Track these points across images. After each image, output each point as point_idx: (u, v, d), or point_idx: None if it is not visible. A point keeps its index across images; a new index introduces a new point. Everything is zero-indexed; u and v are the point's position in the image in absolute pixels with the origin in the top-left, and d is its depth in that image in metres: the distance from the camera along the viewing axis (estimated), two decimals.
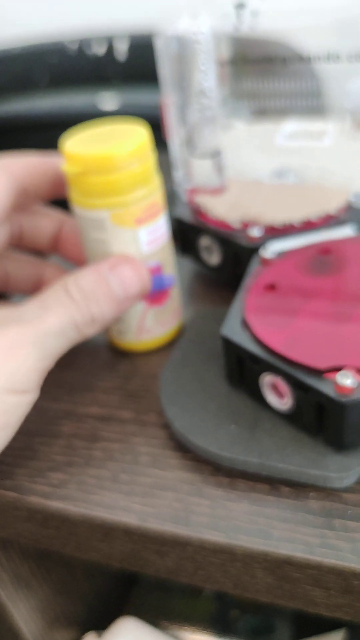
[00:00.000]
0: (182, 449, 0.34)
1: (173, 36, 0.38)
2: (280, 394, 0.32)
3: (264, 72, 0.50)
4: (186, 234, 0.45)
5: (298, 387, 0.30)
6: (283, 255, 0.38)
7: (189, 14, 0.38)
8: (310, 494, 0.31)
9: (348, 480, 0.30)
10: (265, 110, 0.54)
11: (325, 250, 0.38)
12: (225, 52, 0.52)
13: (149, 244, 0.37)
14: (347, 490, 0.31)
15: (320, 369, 0.30)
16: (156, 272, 0.38)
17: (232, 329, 0.34)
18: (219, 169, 0.43)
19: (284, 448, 0.31)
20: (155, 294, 0.39)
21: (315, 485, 0.30)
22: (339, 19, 0.43)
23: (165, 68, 0.40)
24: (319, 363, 0.30)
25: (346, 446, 0.30)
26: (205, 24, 0.38)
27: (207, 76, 0.39)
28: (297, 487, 0.31)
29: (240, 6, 0.43)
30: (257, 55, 0.48)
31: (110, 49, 0.77)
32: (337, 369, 0.29)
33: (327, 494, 0.31)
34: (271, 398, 0.33)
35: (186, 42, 0.37)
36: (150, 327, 0.40)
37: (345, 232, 0.40)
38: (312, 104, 0.51)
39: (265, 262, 0.38)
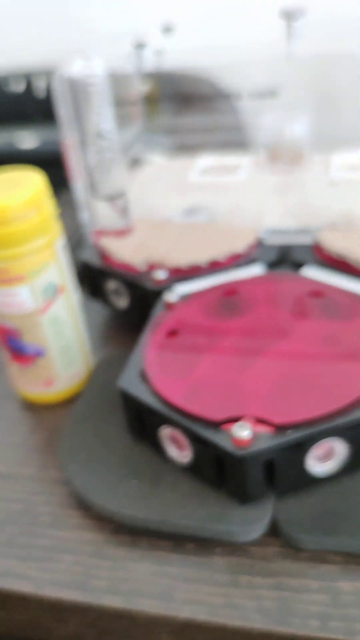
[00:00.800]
0: (84, 506, 0.32)
1: (67, 78, 0.37)
2: (180, 447, 0.31)
3: (183, 108, 0.50)
4: (93, 278, 0.43)
5: (196, 440, 0.29)
6: (188, 298, 0.37)
7: (82, 56, 0.37)
8: (216, 549, 0.29)
9: (253, 534, 0.29)
10: (185, 145, 0.54)
11: (230, 292, 0.37)
12: (138, 90, 0.52)
13: (2, 306, 0.35)
14: (253, 543, 0.29)
15: (217, 420, 0.28)
16: (12, 334, 0.36)
17: (129, 381, 0.32)
18: (123, 210, 0.42)
19: (186, 503, 0.30)
20: (16, 354, 0.37)
21: (220, 540, 0.29)
22: (252, 57, 0.43)
23: (61, 110, 0.39)
24: (217, 414, 0.29)
25: (249, 499, 0.29)
26: (99, 66, 0.37)
27: (103, 118, 0.38)
28: (202, 543, 0.30)
29: (140, 46, 0.43)
30: (174, 91, 0.48)
31: (29, 87, 0.76)
32: (236, 419, 0.28)
33: (233, 549, 0.29)
34: (172, 451, 0.31)
35: (80, 85, 0.37)
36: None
37: (253, 270, 0.40)
38: (234, 138, 0.51)
39: (169, 307, 0.37)
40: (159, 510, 0.30)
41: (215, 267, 0.40)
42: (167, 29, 0.49)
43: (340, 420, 0.28)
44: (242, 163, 0.53)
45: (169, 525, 0.29)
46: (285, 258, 0.42)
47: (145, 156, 0.58)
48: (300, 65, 0.44)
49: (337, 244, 0.39)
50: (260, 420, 0.28)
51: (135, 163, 0.57)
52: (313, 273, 0.39)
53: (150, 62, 0.43)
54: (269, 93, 0.40)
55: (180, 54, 0.44)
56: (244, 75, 0.44)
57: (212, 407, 0.29)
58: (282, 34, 0.42)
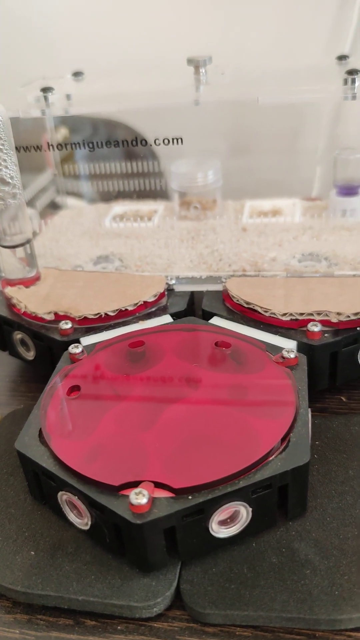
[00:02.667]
0: None
1: None
2: (79, 513, 0.29)
3: (101, 153, 0.49)
4: (1, 327, 0.41)
5: (93, 506, 0.27)
6: (94, 350, 0.36)
7: None
8: (119, 627, 0.27)
9: (158, 609, 0.27)
10: (103, 191, 0.53)
11: (137, 343, 0.36)
12: (50, 135, 0.51)
13: None
14: (158, 618, 0.27)
15: (114, 485, 0.27)
16: None
17: (27, 441, 0.30)
18: (29, 257, 0.40)
19: (86, 575, 0.28)
20: None
21: (122, 616, 0.27)
22: (161, 104, 0.42)
23: None
24: (114, 479, 0.27)
25: (152, 568, 0.27)
26: None
27: (5, 163, 0.37)
28: (104, 619, 0.27)
29: (46, 90, 0.42)
30: (90, 136, 0.47)
31: None
32: (134, 484, 0.27)
33: (137, 626, 0.27)
34: (72, 517, 0.29)
35: None
36: None
37: (162, 320, 0.39)
38: (152, 184, 0.51)
39: (73, 360, 0.35)
40: (55, 585, 0.27)
41: (123, 316, 0.39)
42: (77, 74, 0.49)
43: (243, 484, 0.26)
44: (157, 209, 0.52)
45: (67, 601, 0.27)
46: (195, 306, 0.41)
47: (62, 200, 0.56)
48: (209, 111, 0.44)
49: (244, 292, 0.38)
50: (159, 485, 0.27)
51: (51, 207, 0.55)
52: (222, 322, 0.38)
53: (59, 106, 0.42)
54: (176, 139, 0.39)
55: (89, 98, 0.44)
56: (154, 122, 0.44)
57: (111, 471, 0.27)
58: (190, 81, 0.42)
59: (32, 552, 0.29)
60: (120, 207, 0.53)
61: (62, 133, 0.55)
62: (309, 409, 0.31)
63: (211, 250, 0.45)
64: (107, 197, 0.54)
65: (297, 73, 0.44)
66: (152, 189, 0.51)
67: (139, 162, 0.50)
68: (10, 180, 0.37)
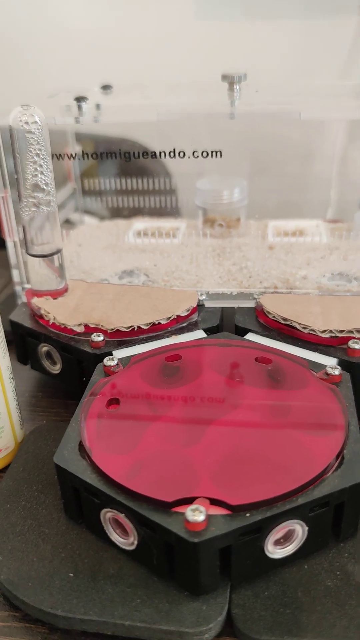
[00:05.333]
0: (11, 606, 0.28)
1: (2, 125, 0.34)
2: (124, 532, 0.27)
3: (118, 168, 0.49)
4: (25, 339, 0.40)
5: (143, 524, 0.26)
6: (129, 363, 0.35)
7: (21, 103, 0.35)
8: None
9: (209, 635, 0.25)
10: (117, 208, 0.53)
11: (174, 357, 0.35)
12: (74, 146, 0.51)
13: None
14: None
15: (167, 502, 0.25)
16: None
17: (66, 455, 0.29)
18: (59, 268, 0.39)
19: (131, 599, 0.26)
20: None
21: None
22: (185, 116, 0.42)
23: None
24: (166, 495, 0.26)
25: (203, 591, 0.26)
26: (38, 114, 0.35)
27: (41, 168, 0.36)
28: None
29: (80, 99, 0.41)
30: (108, 150, 0.46)
31: None
32: (188, 500, 0.25)
33: None
34: (115, 536, 0.28)
35: (17, 132, 0.34)
36: None
37: (196, 334, 0.38)
38: (168, 201, 0.50)
39: (109, 372, 0.34)
40: (98, 610, 0.26)
41: (155, 330, 0.38)
42: (106, 87, 0.48)
43: (301, 501, 0.25)
44: (179, 226, 0.52)
45: (111, 627, 0.25)
46: (227, 322, 0.40)
47: (77, 217, 0.56)
48: (238, 127, 0.43)
49: (280, 308, 0.38)
50: (214, 502, 0.25)
51: (67, 223, 0.55)
52: (257, 338, 0.37)
53: (89, 115, 0.41)
54: (215, 152, 0.39)
55: (119, 110, 0.43)
56: (183, 135, 0.43)
57: (161, 487, 0.26)
58: (223, 97, 0.42)
59: (71, 574, 0.27)
60: (140, 223, 0.52)
61: (77, 150, 0.54)
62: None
63: (239, 267, 0.45)
64: (121, 214, 0.54)
65: (330, 92, 0.44)
66: (168, 206, 0.51)
67: (160, 179, 0.49)
68: (45, 187, 0.36)
